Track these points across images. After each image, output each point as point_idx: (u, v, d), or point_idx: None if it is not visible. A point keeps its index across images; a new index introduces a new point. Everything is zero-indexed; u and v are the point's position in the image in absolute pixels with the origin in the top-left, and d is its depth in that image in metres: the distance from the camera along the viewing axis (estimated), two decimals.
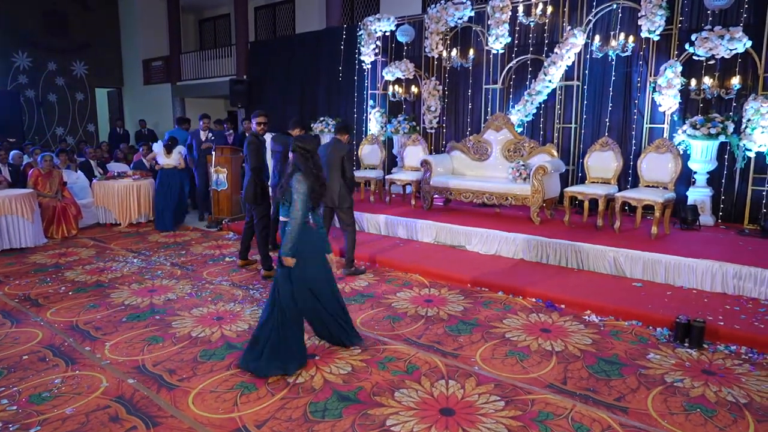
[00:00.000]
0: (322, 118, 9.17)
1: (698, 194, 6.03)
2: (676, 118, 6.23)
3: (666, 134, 6.21)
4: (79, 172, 8.07)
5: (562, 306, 4.37)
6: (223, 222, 7.50)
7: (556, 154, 6.57)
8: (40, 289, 4.85)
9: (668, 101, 6.08)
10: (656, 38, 6.13)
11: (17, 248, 6.20)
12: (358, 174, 7.58)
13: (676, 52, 6.16)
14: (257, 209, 5.29)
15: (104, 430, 2.63)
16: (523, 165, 6.34)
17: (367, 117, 9.06)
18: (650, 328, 3.94)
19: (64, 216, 6.97)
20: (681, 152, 5.81)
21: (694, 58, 5.95)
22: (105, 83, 15.06)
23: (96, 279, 5.15)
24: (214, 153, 7.54)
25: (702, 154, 5.91)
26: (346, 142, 5.24)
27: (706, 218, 5.96)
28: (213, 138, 7.92)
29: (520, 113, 7.22)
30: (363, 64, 8.77)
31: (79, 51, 14.14)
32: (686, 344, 3.64)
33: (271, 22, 13.96)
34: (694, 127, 5.82)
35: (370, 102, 8.97)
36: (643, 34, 6.15)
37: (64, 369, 3.28)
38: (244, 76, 11.80)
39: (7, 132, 11.79)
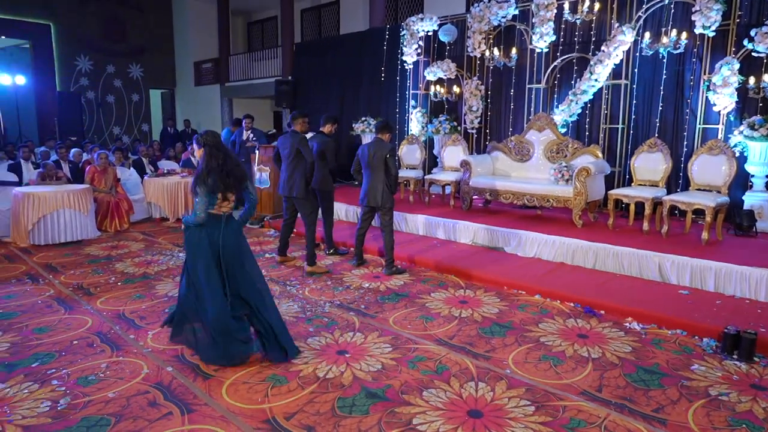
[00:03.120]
0: (363, 118, 9.24)
1: (755, 199, 5.70)
2: (732, 119, 5.91)
3: (721, 135, 5.91)
4: (131, 169, 8.47)
5: (602, 312, 4.23)
6: (265, 219, 7.68)
7: (600, 155, 6.37)
8: (92, 279, 5.13)
9: (724, 100, 5.78)
10: (711, 34, 5.84)
11: (74, 240, 6.58)
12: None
13: (733, 49, 5.85)
14: (307, 205, 5.36)
15: (143, 413, 2.75)
16: (565, 166, 6.17)
17: (408, 117, 9.06)
18: (696, 338, 3.75)
19: (117, 211, 7.34)
20: (737, 154, 5.50)
21: (753, 54, 5.63)
22: (158, 85, 15.74)
23: (143, 271, 5.39)
24: (257, 152, 7.75)
25: (760, 157, 5.58)
26: (388, 140, 5.26)
27: (763, 224, 5.62)
28: (254, 138, 8.14)
29: (564, 113, 7.04)
30: (405, 64, 8.79)
31: (135, 54, 14.86)
32: (735, 356, 3.45)
33: (316, 23, 14.20)
34: (752, 127, 5.50)
35: (412, 102, 8.97)
36: (698, 30, 5.87)
37: (109, 354, 3.45)
38: (289, 77, 12.05)
39: (69, 131, 12.53)
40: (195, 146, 3.33)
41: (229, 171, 3.20)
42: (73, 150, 8.44)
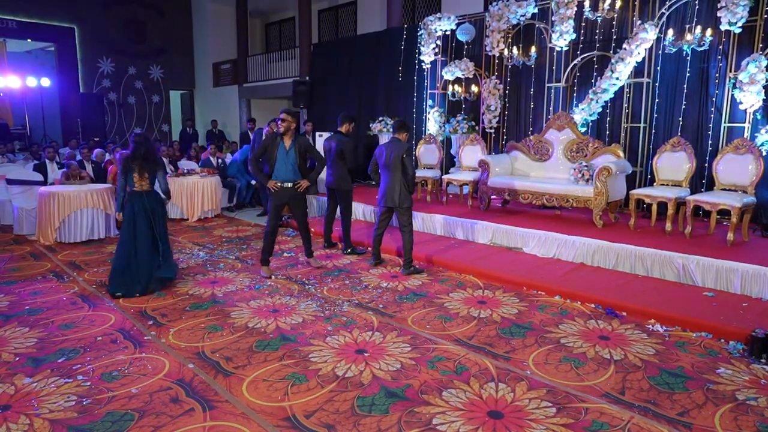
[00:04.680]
0: (381, 118, 9.24)
1: None
2: (759, 117, 5.77)
3: (747, 134, 5.77)
4: None
5: (624, 313, 4.16)
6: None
7: (621, 154, 6.27)
8: None
9: (750, 98, 5.64)
10: (738, 30, 5.70)
11: (96, 239, 6.70)
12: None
13: (760, 45, 5.71)
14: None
15: (165, 409, 2.78)
16: (585, 166, 6.09)
17: (425, 117, 9.04)
18: (722, 341, 3.67)
19: None
20: (764, 153, 5.37)
21: None
22: (178, 86, 15.96)
23: None
24: None
25: None
26: (406, 140, 5.26)
27: None
28: None
29: (584, 112, 6.94)
30: (422, 63, 8.76)
31: (155, 56, 15.09)
32: (763, 360, 3.36)
33: (333, 24, 14.25)
34: None
35: (429, 102, 8.95)
36: (723, 27, 5.74)
37: (132, 351, 3.51)
38: (307, 78, 12.11)
39: (92, 132, 12.78)
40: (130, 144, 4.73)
41: (146, 158, 4.67)
42: (95, 150, 8.59)
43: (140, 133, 4.76)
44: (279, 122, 5.02)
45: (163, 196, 4.94)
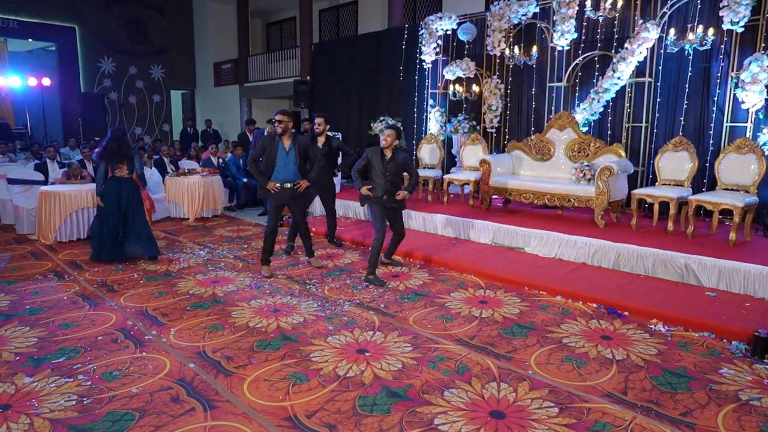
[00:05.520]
0: (381, 118, 9.23)
1: None
2: (761, 116, 5.75)
3: (749, 133, 5.75)
4: (153, 168, 8.59)
5: (626, 313, 4.15)
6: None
7: (623, 154, 6.25)
8: (115, 276, 5.21)
9: (753, 98, 5.62)
10: (740, 30, 5.68)
11: None
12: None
13: (763, 45, 5.69)
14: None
15: (166, 409, 2.78)
16: (587, 165, 6.08)
17: (426, 116, 9.03)
18: (724, 341, 3.65)
19: None
20: (766, 153, 5.35)
21: None
22: (179, 85, 15.96)
23: (165, 269, 5.45)
24: None
25: None
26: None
27: None
28: None
29: (585, 112, 6.93)
30: (424, 63, 8.75)
31: (157, 56, 15.10)
32: (766, 360, 3.35)
33: (334, 23, 14.25)
34: None
35: (430, 101, 8.93)
36: (725, 26, 5.72)
37: (133, 350, 3.50)
38: (308, 77, 12.10)
39: (93, 131, 12.79)
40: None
41: (118, 150, 5.42)
42: (96, 149, 8.57)
43: (117, 128, 5.61)
44: (276, 123, 4.99)
45: (139, 182, 5.69)
